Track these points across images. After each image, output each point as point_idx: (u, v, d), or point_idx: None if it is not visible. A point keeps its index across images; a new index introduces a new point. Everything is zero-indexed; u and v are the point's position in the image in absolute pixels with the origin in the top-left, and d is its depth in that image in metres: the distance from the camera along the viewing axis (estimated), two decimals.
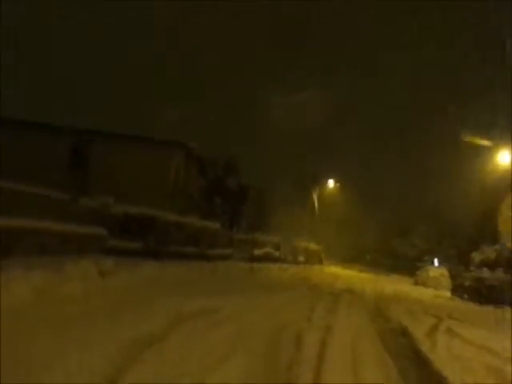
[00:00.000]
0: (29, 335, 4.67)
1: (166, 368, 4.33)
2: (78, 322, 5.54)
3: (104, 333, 5.10)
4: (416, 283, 30.60)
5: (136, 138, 24.06)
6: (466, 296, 20.99)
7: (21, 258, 8.31)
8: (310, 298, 12.52)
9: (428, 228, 51.30)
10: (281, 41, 75.54)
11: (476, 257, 33.90)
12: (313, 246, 44.01)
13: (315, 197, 43.28)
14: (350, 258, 58.97)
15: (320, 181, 44.40)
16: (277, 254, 31.22)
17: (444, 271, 30.59)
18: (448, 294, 23.17)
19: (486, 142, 28.39)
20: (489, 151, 28.87)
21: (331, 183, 44.87)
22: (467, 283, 21.73)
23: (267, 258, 27.62)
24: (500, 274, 23.83)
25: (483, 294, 19.43)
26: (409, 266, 44.45)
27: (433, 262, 41.95)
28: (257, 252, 27.14)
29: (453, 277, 27.97)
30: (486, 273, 24.15)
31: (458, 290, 22.74)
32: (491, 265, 29.62)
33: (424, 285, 28.78)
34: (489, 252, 32.08)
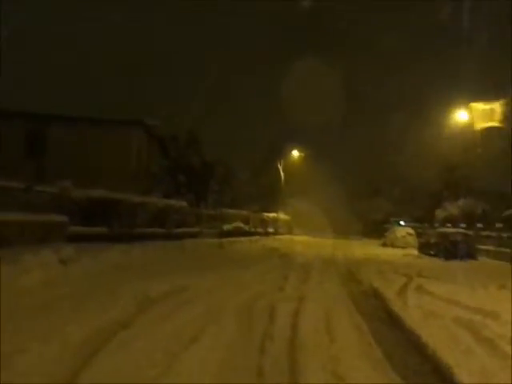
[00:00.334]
0: None
1: (132, 357, 4.10)
2: (37, 313, 5.22)
3: (65, 323, 4.82)
4: (384, 245, 31.24)
5: (93, 120, 23.20)
6: (431, 252, 21.54)
7: None
8: (281, 268, 12.48)
9: (394, 190, 52.21)
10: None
11: (439, 214, 34.98)
12: (282, 216, 44.24)
13: (280, 168, 43.19)
14: (319, 226, 59.64)
15: (284, 152, 44.29)
16: (246, 227, 31.17)
17: (410, 231, 31.34)
18: (415, 252, 23.74)
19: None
20: (449, 110, 29.30)
21: (295, 153, 44.85)
22: (433, 240, 22.29)
23: (237, 233, 27.52)
24: (462, 229, 24.63)
25: (448, 250, 19.98)
26: (377, 230, 45.38)
27: (399, 223, 42.89)
28: (226, 227, 26.98)
29: (419, 235, 28.74)
30: (449, 229, 24.91)
31: (424, 247, 23.34)
32: (454, 221, 30.61)
33: (392, 245, 29.41)
34: (452, 208, 33.12)
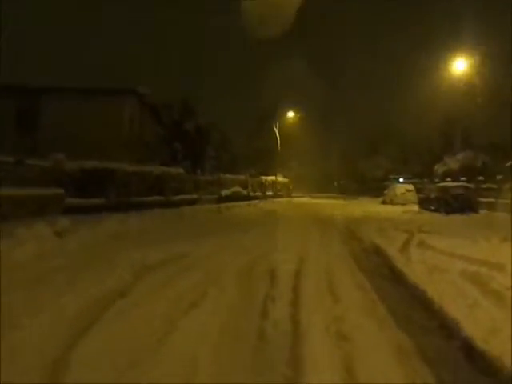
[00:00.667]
0: None
1: (129, 326, 3.96)
2: (30, 287, 5.07)
3: (61, 294, 4.67)
4: (384, 202, 31.20)
5: (84, 90, 22.75)
6: (432, 207, 21.45)
7: None
8: (280, 231, 12.36)
9: (392, 147, 51.78)
10: None
11: (439, 169, 34.77)
12: (280, 179, 44.07)
13: (277, 130, 42.62)
14: (319, 187, 59.67)
15: (280, 113, 43.63)
16: (245, 192, 31.05)
17: (410, 187, 31.19)
18: (416, 208, 23.66)
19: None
20: (446, 61, 28.61)
21: (292, 114, 44.19)
22: (433, 195, 22.15)
23: (235, 197, 27.41)
24: (463, 182, 24.45)
25: (449, 204, 19.87)
26: (376, 188, 45.28)
27: (398, 180, 42.73)
28: (224, 192, 26.86)
29: (418, 190, 28.62)
30: (449, 183, 24.74)
31: (424, 202, 23.23)
32: (454, 175, 30.44)
33: (392, 203, 29.35)
34: (451, 163, 32.89)
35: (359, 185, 55.84)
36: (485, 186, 23.35)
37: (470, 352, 3.49)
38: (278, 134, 42.56)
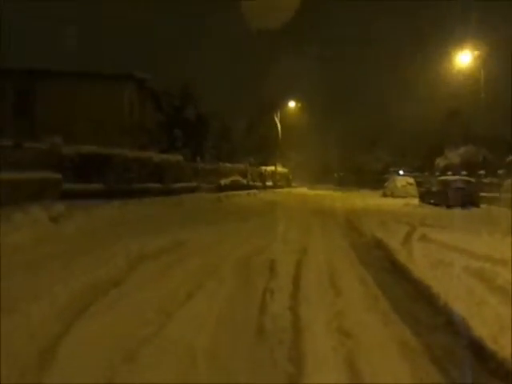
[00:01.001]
0: None
1: (122, 317, 3.81)
2: (24, 271, 4.93)
3: (54, 281, 4.53)
4: (384, 195, 30.99)
5: (84, 74, 22.36)
6: (432, 201, 21.27)
7: None
8: (280, 221, 12.19)
9: (393, 140, 51.49)
10: None
11: (440, 162, 34.59)
12: (280, 169, 43.85)
13: (277, 119, 42.27)
14: (318, 178, 59.49)
15: (281, 103, 43.22)
16: (244, 181, 30.86)
17: (410, 180, 30.96)
18: (416, 201, 23.48)
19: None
20: (450, 54, 28.28)
21: (292, 104, 43.80)
22: (434, 188, 21.95)
23: (235, 186, 27.24)
24: (464, 176, 24.26)
25: (450, 198, 19.66)
26: (376, 180, 45.06)
27: (399, 173, 42.51)
28: (223, 181, 26.68)
29: (419, 184, 28.42)
30: (451, 176, 24.54)
31: (425, 196, 23.03)
32: (455, 169, 30.25)
33: (392, 195, 29.14)
34: (452, 157, 32.70)
35: (359, 177, 55.60)
36: (486, 180, 23.16)
37: (480, 352, 3.34)
38: (278, 124, 42.24)
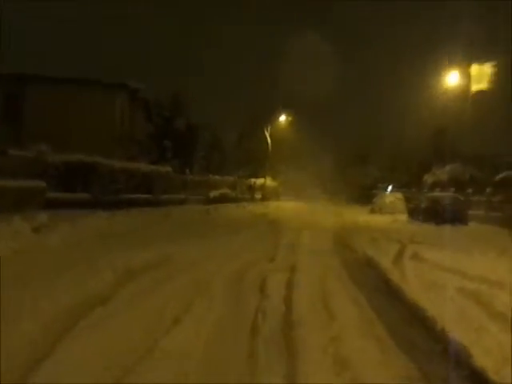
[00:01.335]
0: None
1: (107, 340, 3.59)
2: (3, 287, 4.66)
3: (36, 298, 4.29)
4: (373, 211, 30.92)
5: (74, 81, 22.09)
6: (421, 217, 21.24)
7: None
8: (269, 235, 12.01)
9: (382, 156, 51.77)
10: None
11: (428, 179, 34.71)
12: (269, 182, 43.73)
13: (267, 133, 42.26)
14: (307, 192, 59.41)
15: (271, 116, 43.26)
16: (233, 193, 30.68)
17: (399, 196, 30.97)
18: (405, 217, 23.46)
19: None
20: (438, 73, 28.64)
21: (283, 117, 43.86)
22: (423, 205, 21.96)
23: (224, 199, 27.04)
24: (452, 193, 24.33)
25: (439, 214, 19.66)
26: (365, 195, 45.09)
27: (387, 189, 42.60)
28: (213, 193, 26.46)
29: (407, 199, 28.45)
30: (439, 193, 24.62)
31: (413, 212, 23.03)
32: (443, 186, 30.35)
33: (381, 211, 29.06)
34: (440, 174, 32.84)
35: (348, 191, 55.71)
36: (474, 198, 23.25)
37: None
38: (268, 137, 42.23)
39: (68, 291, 4.64)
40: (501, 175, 21.20)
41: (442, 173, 32.66)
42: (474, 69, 26.19)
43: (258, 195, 38.87)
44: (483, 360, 3.38)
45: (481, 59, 26.07)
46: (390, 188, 43.19)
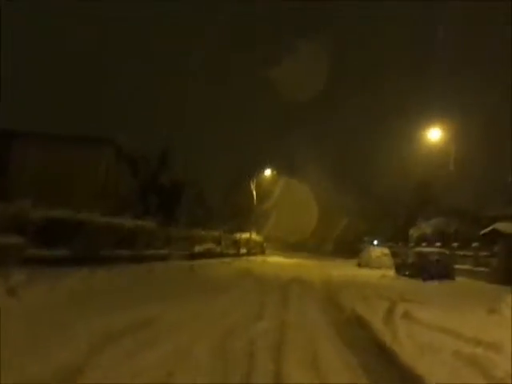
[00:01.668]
0: None
1: None
2: None
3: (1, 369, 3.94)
4: (359, 265, 30.72)
5: (59, 137, 22.14)
6: (408, 273, 21.10)
7: None
8: (256, 294, 11.64)
9: (366, 209, 52.10)
10: None
11: (414, 233, 34.86)
12: (254, 236, 43.49)
13: (253, 187, 42.49)
14: (293, 246, 59.11)
15: (257, 170, 43.70)
16: (218, 249, 30.30)
17: (385, 251, 30.94)
18: (392, 272, 23.28)
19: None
20: (420, 129, 29.50)
21: (268, 172, 44.33)
22: (410, 260, 21.88)
23: (209, 254, 26.63)
24: (439, 248, 24.37)
25: (426, 270, 19.56)
26: (350, 249, 45.01)
27: (373, 243, 42.61)
28: (197, 249, 26.06)
29: (394, 254, 28.41)
30: (426, 248, 24.62)
31: (401, 268, 22.89)
32: (429, 240, 30.45)
33: (368, 266, 28.90)
34: (425, 227, 33.04)
35: (334, 246, 55.64)
36: (461, 252, 23.28)
37: None
38: (254, 191, 42.41)
39: (37, 363, 4.29)
40: (487, 229, 21.35)
41: (427, 226, 32.87)
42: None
43: (244, 250, 38.50)
44: None
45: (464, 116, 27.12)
46: (375, 242, 43.25)
